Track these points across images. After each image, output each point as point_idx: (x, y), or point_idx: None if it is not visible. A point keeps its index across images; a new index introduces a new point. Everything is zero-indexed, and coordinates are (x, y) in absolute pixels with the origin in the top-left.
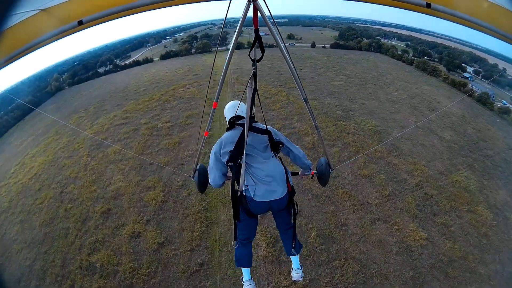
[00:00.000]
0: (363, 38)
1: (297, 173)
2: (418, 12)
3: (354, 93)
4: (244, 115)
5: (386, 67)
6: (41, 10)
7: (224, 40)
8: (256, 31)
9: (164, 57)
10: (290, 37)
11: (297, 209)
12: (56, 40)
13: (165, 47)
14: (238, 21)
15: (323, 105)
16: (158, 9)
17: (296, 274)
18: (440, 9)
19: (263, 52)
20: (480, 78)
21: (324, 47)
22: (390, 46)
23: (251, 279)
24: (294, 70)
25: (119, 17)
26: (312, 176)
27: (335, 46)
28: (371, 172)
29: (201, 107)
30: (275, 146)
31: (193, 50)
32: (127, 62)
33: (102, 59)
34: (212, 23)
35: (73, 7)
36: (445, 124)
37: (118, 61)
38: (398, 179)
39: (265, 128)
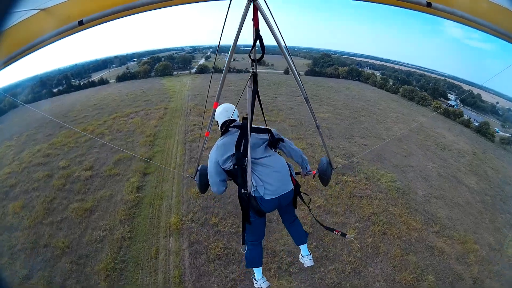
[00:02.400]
0: (338, 66)
1: (298, 173)
2: (418, 11)
3: (348, 129)
4: (237, 118)
5: (371, 96)
6: (41, 9)
7: (189, 63)
8: (257, 30)
9: (120, 79)
10: (261, 62)
11: (310, 199)
12: (56, 40)
13: (127, 69)
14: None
15: (313, 147)
16: (158, 9)
17: (307, 260)
18: (440, 8)
19: (263, 52)
20: (463, 106)
21: (298, 74)
22: (371, 74)
23: (263, 276)
24: (295, 70)
25: (120, 17)
26: (314, 175)
27: (311, 73)
28: (415, 275)
29: (139, 145)
30: (275, 143)
31: (152, 73)
32: (82, 82)
33: (59, 77)
34: (181, 49)
35: (74, 7)
36: (464, 166)
37: (76, 81)
38: (453, 277)
39: (263, 127)
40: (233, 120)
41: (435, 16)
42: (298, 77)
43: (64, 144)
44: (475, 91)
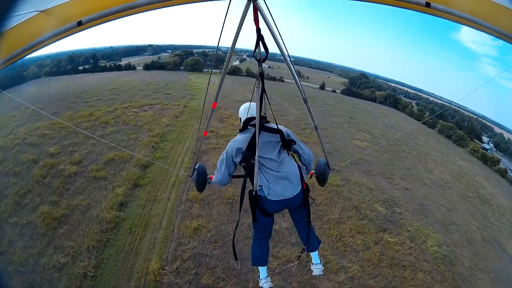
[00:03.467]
0: (375, 90)
1: None
2: (417, 11)
3: (388, 165)
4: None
5: (409, 127)
6: (41, 11)
7: (222, 63)
8: (258, 31)
9: (148, 67)
10: (300, 74)
11: (313, 200)
12: (56, 40)
13: (158, 58)
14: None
15: (349, 184)
16: (158, 9)
17: (316, 269)
18: (439, 8)
19: (267, 52)
20: (496, 150)
21: (334, 91)
22: (408, 103)
23: (267, 276)
24: (294, 70)
25: (119, 17)
26: (311, 176)
27: (347, 92)
28: None
29: (140, 145)
30: (288, 144)
31: (182, 67)
32: (108, 64)
33: (86, 55)
34: (219, 49)
35: (73, 8)
36: (505, 228)
37: (104, 63)
38: None
39: (274, 128)
40: (253, 118)
41: (471, 51)
42: (297, 79)
43: (64, 127)
44: (506, 135)
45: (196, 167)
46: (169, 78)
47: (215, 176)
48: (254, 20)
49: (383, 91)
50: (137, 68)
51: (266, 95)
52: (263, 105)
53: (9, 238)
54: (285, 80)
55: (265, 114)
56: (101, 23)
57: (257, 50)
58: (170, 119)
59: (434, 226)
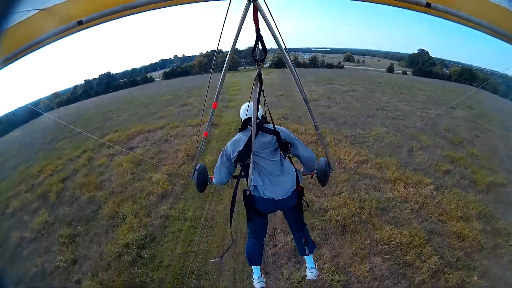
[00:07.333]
0: (442, 66)
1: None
2: (417, 11)
3: None
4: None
5: None
6: (41, 10)
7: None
8: (257, 31)
9: (168, 75)
10: (350, 59)
11: (308, 206)
12: (56, 40)
13: (188, 67)
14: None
15: None
16: (158, 9)
17: (310, 273)
18: (440, 9)
19: (265, 52)
20: None
21: (405, 73)
22: (487, 79)
23: (261, 276)
24: (294, 71)
25: (119, 17)
26: (312, 176)
27: (420, 73)
28: None
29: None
30: (284, 146)
31: (211, 69)
32: (122, 82)
33: (101, 77)
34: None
35: (73, 7)
36: None
37: (118, 81)
38: None
39: (272, 129)
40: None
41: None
42: (298, 79)
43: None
44: None
45: (197, 167)
46: (194, 82)
47: (215, 176)
48: (254, 20)
49: (457, 67)
50: (156, 80)
51: (264, 95)
52: (262, 106)
53: None
54: (345, 66)
55: (264, 115)
56: (102, 23)
57: (255, 50)
58: (176, 167)
59: None
